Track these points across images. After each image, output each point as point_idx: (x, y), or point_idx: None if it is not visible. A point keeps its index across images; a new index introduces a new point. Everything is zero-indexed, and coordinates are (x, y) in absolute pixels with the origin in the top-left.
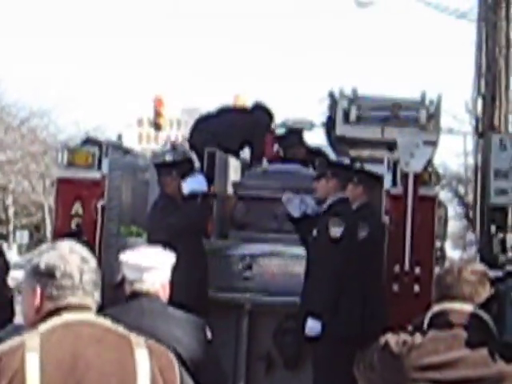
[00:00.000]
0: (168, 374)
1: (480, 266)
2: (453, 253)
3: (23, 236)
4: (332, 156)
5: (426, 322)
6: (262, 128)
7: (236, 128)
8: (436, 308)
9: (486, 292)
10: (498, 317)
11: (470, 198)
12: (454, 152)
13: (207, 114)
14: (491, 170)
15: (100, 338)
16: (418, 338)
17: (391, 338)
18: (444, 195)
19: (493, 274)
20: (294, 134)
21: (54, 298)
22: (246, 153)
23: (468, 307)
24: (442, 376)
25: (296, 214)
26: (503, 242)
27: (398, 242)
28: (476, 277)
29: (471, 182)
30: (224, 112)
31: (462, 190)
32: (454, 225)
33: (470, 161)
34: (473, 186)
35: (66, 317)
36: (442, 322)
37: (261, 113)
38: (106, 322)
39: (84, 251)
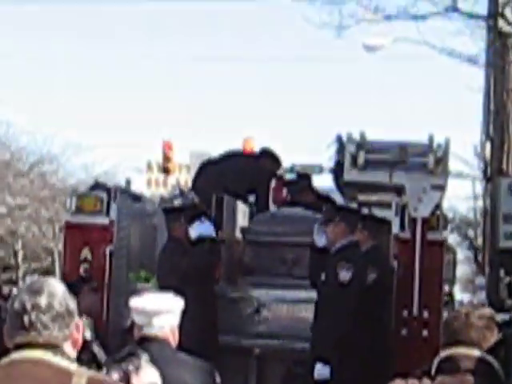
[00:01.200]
0: None
1: (487, 311)
2: (462, 296)
3: None
4: (340, 201)
5: (434, 367)
6: (267, 174)
7: (241, 174)
8: (444, 353)
9: (493, 336)
10: (504, 361)
11: (479, 241)
12: (463, 196)
13: (212, 159)
14: (500, 214)
15: (33, 374)
16: (426, 382)
17: (400, 383)
18: (453, 239)
19: (500, 318)
20: (304, 178)
21: (9, 337)
22: (251, 199)
23: (475, 352)
24: None
25: (321, 243)
26: (510, 285)
27: (407, 286)
28: (483, 321)
29: (480, 225)
30: (229, 157)
31: (471, 233)
32: (464, 268)
33: (480, 204)
34: (482, 230)
35: (13, 355)
36: (449, 367)
37: (267, 159)
38: (52, 359)
39: (50, 286)
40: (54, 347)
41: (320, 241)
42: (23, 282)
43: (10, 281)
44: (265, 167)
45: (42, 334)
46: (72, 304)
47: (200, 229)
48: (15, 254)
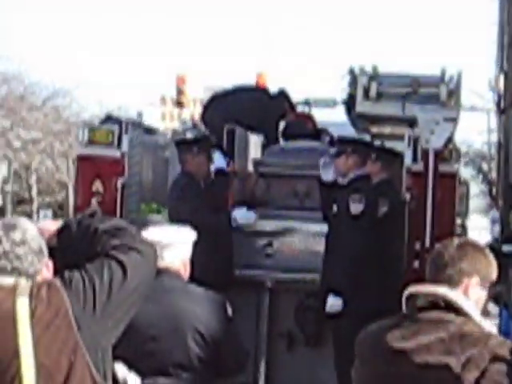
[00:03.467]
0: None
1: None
2: (478, 226)
3: (47, 215)
4: (337, 134)
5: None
6: (277, 109)
7: (251, 107)
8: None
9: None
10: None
11: (493, 175)
12: (477, 129)
13: (222, 92)
14: None
15: None
16: None
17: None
18: (468, 172)
19: (508, 248)
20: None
21: None
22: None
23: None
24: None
25: (328, 178)
26: None
27: (419, 218)
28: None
29: (495, 159)
30: (240, 91)
31: (485, 167)
32: (478, 202)
33: (494, 138)
34: (496, 164)
35: None
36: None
37: (280, 99)
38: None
39: (25, 224)
40: (24, 274)
41: (326, 175)
42: (37, 216)
43: (25, 214)
44: (275, 102)
45: (13, 264)
46: (43, 244)
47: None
48: (29, 187)
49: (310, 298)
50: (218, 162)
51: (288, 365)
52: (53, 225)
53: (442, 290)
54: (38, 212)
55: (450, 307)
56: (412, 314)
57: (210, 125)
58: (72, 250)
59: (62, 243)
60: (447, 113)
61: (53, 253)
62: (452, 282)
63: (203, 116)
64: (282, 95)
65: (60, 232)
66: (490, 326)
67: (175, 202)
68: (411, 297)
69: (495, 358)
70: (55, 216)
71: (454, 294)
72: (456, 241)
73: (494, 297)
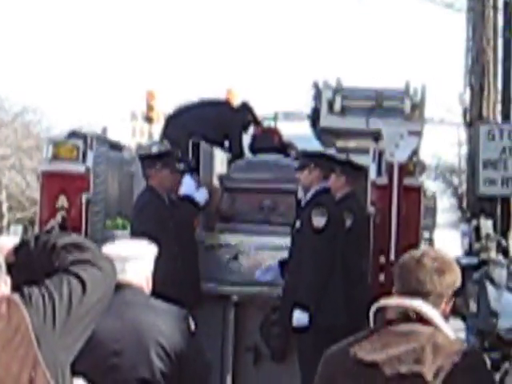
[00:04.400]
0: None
1: (445, 254)
2: (448, 243)
3: (17, 230)
4: (302, 148)
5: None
6: (241, 122)
7: (215, 121)
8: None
9: (445, 281)
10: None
11: (463, 188)
12: (447, 143)
13: (184, 106)
14: (480, 160)
15: None
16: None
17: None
18: (437, 186)
19: (467, 261)
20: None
21: None
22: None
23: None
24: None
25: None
26: (477, 229)
27: (384, 232)
28: (435, 264)
29: (465, 172)
30: (202, 105)
31: (456, 180)
32: (449, 216)
33: (464, 151)
34: (466, 177)
35: None
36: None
37: (244, 111)
38: None
39: None
40: None
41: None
42: (8, 231)
43: None
44: (237, 115)
45: None
46: (1, 259)
47: (185, 187)
48: (0, 204)
49: (276, 313)
50: (187, 187)
51: (254, 379)
52: (10, 241)
53: (417, 303)
54: (8, 228)
55: (420, 319)
56: (381, 327)
57: (173, 139)
58: (30, 266)
59: (19, 260)
60: (411, 126)
61: (10, 269)
62: (429, 297)
63: (165, 130)
64: (245, 107)
65: (17, 249)
66: (456, 338)
67: (138, 216)
68: (379, 310)
69: (466, 367)
70: (26, 232)
71: (426, 307)
72: (431, 253)
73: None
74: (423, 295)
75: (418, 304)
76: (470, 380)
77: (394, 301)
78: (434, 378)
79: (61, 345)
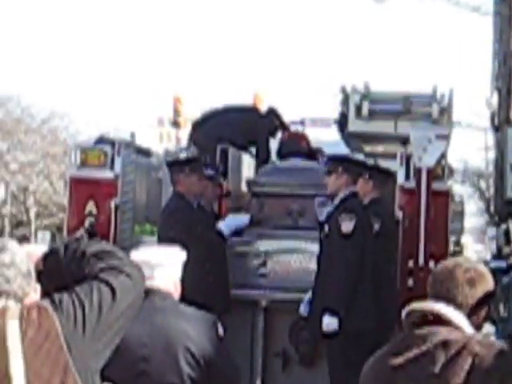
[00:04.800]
0: (42, 329)
1: (478, 265)
2: (475, 247)
3: (45, 237)
4: (330, 152)
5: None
6: (266, 128)
7: (241, 126)
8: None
9: (477, 293)
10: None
11: (491, 192)
12: (475, 147)
13: (211, 112)
14: (508, 164)
15: None
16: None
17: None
18: (465, 190)
19: (496, 264)
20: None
21: None
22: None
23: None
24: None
25: (322, 218)
26: (507, 233)
27: (412, 236)
28: (468, 275)
29: (492, 176)
30: (228, 111)
31: (483, 185)
32: (476, 220)
33: (491, 155)
34: (493, 181)
35: None
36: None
37: (271, 117)
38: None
39: (13, 247)
40: (13, 296)
41: (321, 215)
42: (35, 238)
43: (24, 237)
44: (263, 121)
45: (2, 286)
46: (31, 267)
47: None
48: (27, 210)
49: (305, 318)
50: (227, 226)
51: None
52: (40, 249)
53: (439, 306)
54: (35, 234)
55: (442, 321)
56: (406, 331)
57: (201, 144)
58: (59, 273)
59: (48, 267)
60: (439, 130)
61: (40, 277)
62: (461, 309)
63: (192, 136)
64: (272, 113)
65: (47, 256)
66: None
67: (166, 222)
68: (409, 314)
69: (477, 359)
70: (53, 238)
71: (447, 309)
72: (464, 264)
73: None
74: (454, 307)
75: (440, 307)
76: (482, 372)
77: (419, 305)
78: (448, 376)
79: (91, 351)
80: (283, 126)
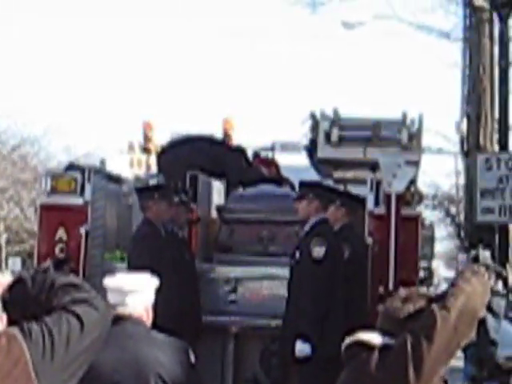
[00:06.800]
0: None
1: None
2: (446, 272)
3: (16, 263)
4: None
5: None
6: (234, 161)
7: (208, 156)
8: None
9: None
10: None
11: (461, 217)
12: (445, 172)
13: (179, 139)
14: (477, 189)
15: None
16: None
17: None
18: (435, 215)
19: None
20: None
21: None
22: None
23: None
24: None
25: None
26: (476, 259)
27: (382, 262)
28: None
29: (462, 201)
30: (196, 140)
31: (454, 210)
32: (447, 245)
33: (462, 180)
34: (464, 206)
35: None
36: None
37: (236, 151)
38: None
39: None
40: None
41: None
42: (6, 264)
43: None
44: (236, 157)
45: None
46: None
47: None
48: None
49: (276, 344)
50: None
51: None
52: (5, 278)
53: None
54: (6, 261)
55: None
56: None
57: (170, 170)
58: (24, 303)
59: (14, 297)
60: (409, 156)
61: (5, 306)
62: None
63: (160, 161)
64: (240, 151)
65: (13, 285)
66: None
67: (135, 249)
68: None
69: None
70: (24, 264)
71: (369, 337)
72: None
73: None
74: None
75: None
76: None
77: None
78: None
79: (58, 380)
80: (249, 165)
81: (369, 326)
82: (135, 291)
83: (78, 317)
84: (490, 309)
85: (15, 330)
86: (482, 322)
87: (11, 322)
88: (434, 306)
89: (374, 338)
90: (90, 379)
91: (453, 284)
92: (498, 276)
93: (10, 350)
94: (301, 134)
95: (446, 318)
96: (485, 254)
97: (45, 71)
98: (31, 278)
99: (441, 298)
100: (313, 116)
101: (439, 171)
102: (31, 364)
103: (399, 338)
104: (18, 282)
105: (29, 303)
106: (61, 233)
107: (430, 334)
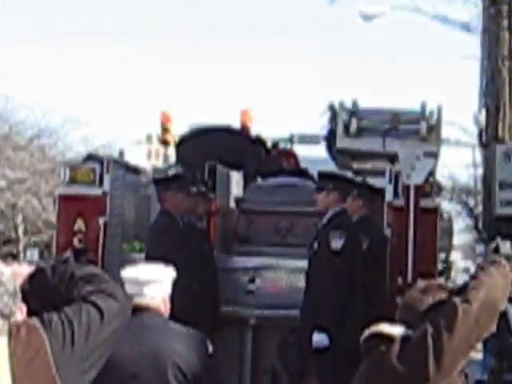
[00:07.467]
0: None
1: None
2: (464, 264)
3: (33, 254)
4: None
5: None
6: (253, 153)
7: (227, 147)
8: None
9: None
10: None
11: (479, 209)
12: (463, 164)
13: (198, 130)
14: (496, 181)
15: None
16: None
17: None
18: (453, 207)
19: None
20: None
21: None
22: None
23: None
24: None
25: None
26: (496, 250)
27: (401, 253)
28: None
29: (480, 193)
30: (215, 130)
31: (471, 201)
32: (465, 237)
33: (479, 172)
34: (482, 198)
35: None
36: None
37: (255, 142)
38: None
39: None
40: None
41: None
42: (24, 255)
43: (11, 254)
44: (255, 149)
45: None
46: (18, 286)
47: None
48: (15, 227)
49: (294, 335)
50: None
51: None
52: (25, 269)
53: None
54: (24, 252)
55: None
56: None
57: (188, 161)
58: (43, 294)
59: (34, 287)
60: (428, 148)
61: (25, 297)
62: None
63: (179, 152)
64: (259, 141)
65: (33, 276)
66: None
67: (153, 241)
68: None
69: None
70: (42, 255)
71: (389, 329)
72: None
73: None
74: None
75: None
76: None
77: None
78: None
79: (78, 371)
80: (268, 156)
81: (387, 318)
82: (153, 282)
83: (98, 307)
84: (510, 300)
85: (35, 321)
86: (503, 314)
87: (31, 313)
88: (455, 299)
89: (394, 329)
90: (107, 370)
91: (474, 277)
92: None
93: (30, 341)
94: (319, 125)
95: (467, 310)
96: (505, 245)
97: (63, 62)
98: (51, 268)
99: (461, 291)
100: (331, 107)
101: (457, 163)
102: (51, 355)
103: (419, 329)
104: (38, 273)
105: (49, 294)
106: (79, 223)
107: (451, 326)
